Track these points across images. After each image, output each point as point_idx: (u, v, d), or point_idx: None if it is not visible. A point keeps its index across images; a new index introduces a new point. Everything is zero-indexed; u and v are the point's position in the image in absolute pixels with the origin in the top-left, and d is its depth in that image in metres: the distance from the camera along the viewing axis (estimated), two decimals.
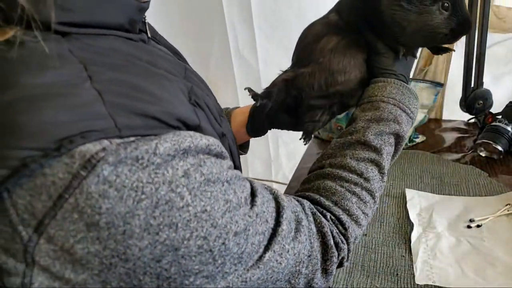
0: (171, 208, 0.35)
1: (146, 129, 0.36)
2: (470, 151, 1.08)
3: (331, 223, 0.54)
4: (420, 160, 1.04)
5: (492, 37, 1.22)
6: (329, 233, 0.52)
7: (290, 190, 1.01)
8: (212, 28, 1.47)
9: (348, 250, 0.55)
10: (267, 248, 0.44)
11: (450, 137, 1.18)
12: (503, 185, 0.91)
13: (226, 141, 0.53)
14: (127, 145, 0.33)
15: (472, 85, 1.09)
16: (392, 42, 0.62)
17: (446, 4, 0.57)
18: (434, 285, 0.66)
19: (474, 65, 1.06)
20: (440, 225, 0.79)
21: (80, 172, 0.32)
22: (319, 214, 0.53)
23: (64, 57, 0.36)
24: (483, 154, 1.04)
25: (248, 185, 0.45)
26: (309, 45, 0.66)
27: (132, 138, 0.34)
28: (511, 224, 0.78)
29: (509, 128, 1.01)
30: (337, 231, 0.54)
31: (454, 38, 0.60)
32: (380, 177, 0.59)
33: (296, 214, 0.49)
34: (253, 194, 0.45)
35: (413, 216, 0.82)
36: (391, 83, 0.62)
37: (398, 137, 0.61)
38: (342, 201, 0.56)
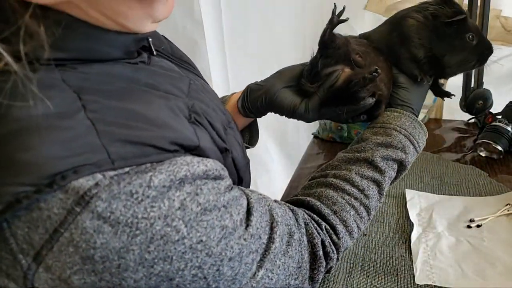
0: (166, 242, 0.35)
1: (141, 158, 0.36)
2: (470, 151, 1.08)
3: (325, 232, 0.56)
4: (420, 160, 1.04)
5: (499, 50, 1.21)
6: (319, 244, 0.53)
7: (291, 190, 1.01)
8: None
9: (337, 259, 0.57)
10: (260, 266, 0.45)
11: (450, 137, 1.18)
12: (503, 185, 0.91)
13: (229, 155, 0.52)
14: (120, 179, 0.34)
15: (472, 85, 1.09)
16: (417, 73, 0.67)
17: (470, 37, 0.64)
18: (434, 285, 0.66)
19: None
20: (440, 225, 0.79)
21: (75, 208, 0.32)
22: (312, 225, 0.54)
23: (57, 87, 0.36)
24: (483, 154, 1.04)
25: (245, 203, 0.45)
26: (359, 51, 0.66)
27: (126, 169, 0.35)
28: (511, 224, 0.78)
29: (509, 128, 1.01)
30: (330, 241, 0.55)
31: (481, 64, 0.67)
32: (378, 197, 0.62)
33: (289, 227, 0.50)
34: (248, 212, 0.45)
35: (413, 216, 0.82)
36: (406, 115, 0.66)
37: (401, 165, 0.64)
38: (341, 212, 0.58)
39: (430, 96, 1.07)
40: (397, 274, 0.69)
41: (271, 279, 0.46)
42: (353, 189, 0.60)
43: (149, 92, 0.43)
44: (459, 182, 0.94)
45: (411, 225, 0.80)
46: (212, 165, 0.41)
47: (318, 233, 0.54)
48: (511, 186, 0.90)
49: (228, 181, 0.44)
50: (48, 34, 0.35)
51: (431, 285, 0.67)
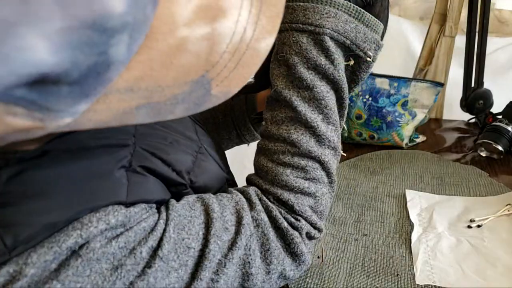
0: None
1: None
2: (470, 151, 1.08)
3: (277, 204, 0.51)
4: (420, 160, 1.04)
5: (494, 42, 1.22)
6: (279, 216, 0.49)
7: None
8: None
9: (310, 223, 0.51)
10: (194, 276, 0.42)
11: (450, 137, 1.18)
12: (504, 185, 0.91)
13: (194, 184, 0.49)
14: None
15: (473, 85, 1.09)
16: None
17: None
18: (435, 285, 0.66)
19: (475, 65, 1.06)
20: (440, 225, 0.79)
21: None
22: (265, 198, 0.50)
23: None
24: (483, 154, 1.04)
25: (156, 235, 0.41)
26: None
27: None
28: (511, 224, 0.78)
29: (509, 128, 1.00)
30: (285, 210, 0.50)
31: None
32: (310, 135, 0.51)
33: (238, 213, 0.47)
34: (160, 243, 0.41)
35: (413, 216, 0.82)
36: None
37: (327, 79, 0.52)
38: (276, 177, 0.51)
39: (430, 96, 1.07)
40: (397, 274, 0.69)
41: (217, 281, 0.43)
42: (276, 144, 0.52)
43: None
44: (460, 182, 0.94)
45: (411, 225, 0.80)
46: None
47: (273, 206, 0.50)
48: (511, 186, 0.90)
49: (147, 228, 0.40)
50: None
51: (431, 285, 0.66)
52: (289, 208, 0.51)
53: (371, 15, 0.52)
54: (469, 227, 0.78)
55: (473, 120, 1.21)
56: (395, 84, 1.07)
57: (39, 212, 0.35)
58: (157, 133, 0.48)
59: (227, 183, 0.57)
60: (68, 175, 0.37)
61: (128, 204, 0.40)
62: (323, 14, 0.50)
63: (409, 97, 1.07)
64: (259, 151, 0.54)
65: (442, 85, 1.07)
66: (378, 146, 1.12)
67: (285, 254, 0.49)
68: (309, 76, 0.51)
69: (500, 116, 1.05)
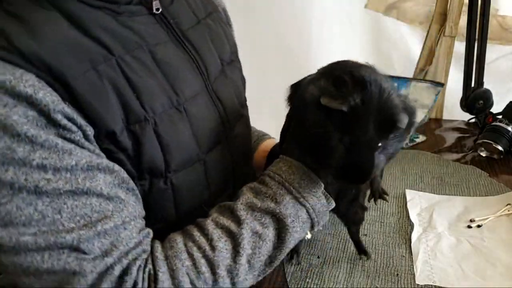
0: None
1: None
2: (470, 151, 1.08)
3: (146, 276, 0.49)
4: (420, 160, 1.04)
5: (497, 49, 1.21)
6: (128, 285, 0.47)
7: None
8: None
9: None
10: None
11: (450, 137, 1.18)
12: (504, 185, 0.91)
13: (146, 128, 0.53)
14: None
15: (473, 85, 1.09)
16: None
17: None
18: (435, 285, 0.66)
19: (475, 65, 1.06)
20: (440, 225, 0.79)
21: None
22: (138, 262, 0.49)
23: None
24: (483, 154, 1.04)
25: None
26: None
27: None
28: (511, 224, 0.78)
29: (509, 128, 1.00)
30: (146, 286, 0.48)
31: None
32: (232, 254, 0.52)
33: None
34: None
35: (413, 216, 0.82)
36: (284, 160, 0.58)
37: (277, 220, 0.54)
38: (173, 259, 0.50)
39: (430, 96, 1.07)
40: (397, 274, 0.69)
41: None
42: (200, 237, 0.52)
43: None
44: (460, 182, 0.94)
45: (411, 225, 0.80)
46: None
47: (138, 273, 0.48)
48: (511, 186, 0.90)
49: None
50: None
51: (431, 285, 0.66)
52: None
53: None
54: (469, 227, 0.78)
55: (473, 120, 1.20)
56: (395, 84, 1.07)
57: None
58: (141, 71, 0.54)
59: (199, 162, 0.59)
60: None
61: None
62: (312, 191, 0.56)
63: (409, 97, 1.07)
64: (184, 230, 0.55)
65: (442, 85, 1.08)
66: None
67: None
68: (267, 218, 0.54)
69: (500, 116, 1.05)
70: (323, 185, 0.56)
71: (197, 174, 0.60)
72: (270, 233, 0.54)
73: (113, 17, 0.53)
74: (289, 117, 0.60)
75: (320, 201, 0.56)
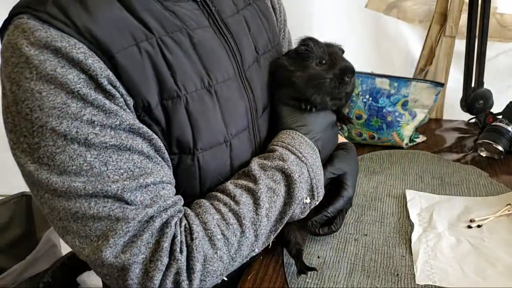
0: None
1: None
2: (470, 151, 1.08)
3: (183, 230, 0.54)
4: (420, 160, 1.04)
5: (496, 46, 1.21)
6: (169, 236, 0.51)
7: None
8: None
9: (188, 265, 0.52)
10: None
11: (450, 137, 1.18)
12: (504, 185, 0.91)
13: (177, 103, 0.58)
14: None
15: (473, 85, 1.09)
16: (293, 100, 0.72)
17: (323, 61, 0.70)
18: (435, 285, 0.66)
19: (475, 65, 1.06)
20: (440, 225, 0.79)
21: None
22: (173, 220, 0.53)
23: None
24: (483, 154, 1.04)
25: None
26: None
27: None
28: (511, 224, 0.78)
29: (509, 128, 1.00)
30: (183, 239, 0.53)
31: (341, 80, 0.69)
32: (254, 207, 0.58)
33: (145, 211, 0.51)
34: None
35: (413, 216, 0.82)
36: (283, 132, 0.69)
37: (286, 176, 0.62)
38: (204, 214, 0.56)
39: (430, 96, 1.07)
40: (397, 274, 0.69)
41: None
42: (223, 196, 0.59)
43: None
44: (460, 182, 0.94)
45: (411, 225, 0.80)
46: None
47: (176, 227, 0.53)
48: (511, 186, 0.90)
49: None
50: None
51: (431, 285, 0.66)
52: (190, 241, 0.53)
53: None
54: (469, 227, 0.78)
55: (473, 120, 1.20)
56: (395, 84, 1.07)
57: None
58: (179, 51, 0.60)
59: (225, 143, 0.63)
60: None
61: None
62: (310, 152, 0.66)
63: (409, 97, 1.07)
64: (206, 197, 0.61)
65: (442, 85, 1.07)
66: (378, 146, 1.12)
67: (141, 262, 0.51)
68: (279, 175, 0.62)
69: (500, 116, 1.05)
70: (317, 150, 0.67)
71: (222, 156, 0.64)
72: (282, 189, 0.61)
73: (159, 1, 0.59)
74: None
75: (316, 162, 0.66)
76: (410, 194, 0.89)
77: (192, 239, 0.53)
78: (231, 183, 0.61)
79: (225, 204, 0.57)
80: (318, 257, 0.73)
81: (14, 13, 0.51)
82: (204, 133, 0.60)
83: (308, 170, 0.64)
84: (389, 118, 1.07)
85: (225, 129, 0.63)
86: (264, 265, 0.72)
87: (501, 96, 1.09)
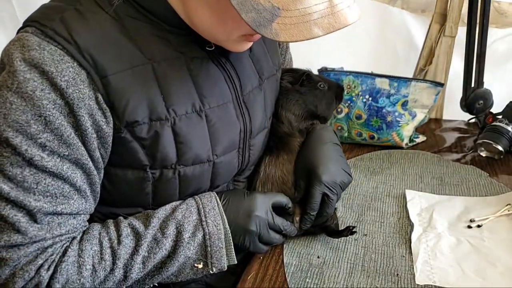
0: None
1: None
2: (470, 151, 1.08)
3: (60, 250, 0.57)
4: (420, 160, 1.04)
5: (493, 33, 1.22)
6: (48, 253, 0.55)
7: None
8: None
9: (49, 283, 0.55)
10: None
11: (450, 137, 1.18)
12: (504, 185, 0.91)
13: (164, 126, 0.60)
14: None
15: (473, 85, 1.08)
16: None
17: (322, 85, 0.84)
18: (435, 285, 0.66)
19: (475, 65, 1.06)
20: (440, 225, 0.79)
21: None
22: (64, 243, 0.57)
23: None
24: (483, 154, 1.04)
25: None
26: None
27: None
28: (511, 224, 0.78)
29: (509, 128, 1.00)
30: (56, 259, 0.56)
31: (340, 100, 0.89)
32: (132, 252, 0.59)
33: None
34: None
35: (413, 216, 0.82)
36: (209, 194, 0.68)
37: (178, 232, 0.62)
38: (85, 242, 0.58)
39: (430, 96, 1.07)
40: (397, 274, 0.69)
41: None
42: (113, 231, 0.60)
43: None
44: (460, 182, 0.94)
45: (411, 225, 0.80)
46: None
47: (58, 247, 0.56)
48: (511, 186, 0.90)
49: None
50: None
51: (431, 285, 0.66)
52: (58, 262, 0.56)
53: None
54: (469, 227, 0.78)
55: (473, 120, 1.20)
56: (395, 84, 1.07)
57: None
58: (179, 77, 0.62)
59: (208, 162, 0.66)
60: None
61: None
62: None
63: (409, 97, 1.07)
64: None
65: (442, 85, 1.07)
66: (378, 146, 1.12)
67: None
68: (172, 231, 0.62)
69: (500, 116, 1.04)
70: (226, 221, 0.64)
71: (203, 171, 0.66)
72: (168, 243, 0.61)
73: (159, 29, 0.60)
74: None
75: (219, 233, 0.63)
76: (410, 194, 0.89)
77: (61, 262, 0.56)
78: (127, 219, 0.62)
79: (109, 239, 0.59)
80: (318, 257, 0.73)
81: (25, 25, 0.56)
82: (188, 151, 0.62)
83: (204, 237, 0.62)
84: (389, 118, 1.07)
85: (211, 151, 0.65)
86: (264, 265, 0.72)
87: (499, 80, 1.10)
